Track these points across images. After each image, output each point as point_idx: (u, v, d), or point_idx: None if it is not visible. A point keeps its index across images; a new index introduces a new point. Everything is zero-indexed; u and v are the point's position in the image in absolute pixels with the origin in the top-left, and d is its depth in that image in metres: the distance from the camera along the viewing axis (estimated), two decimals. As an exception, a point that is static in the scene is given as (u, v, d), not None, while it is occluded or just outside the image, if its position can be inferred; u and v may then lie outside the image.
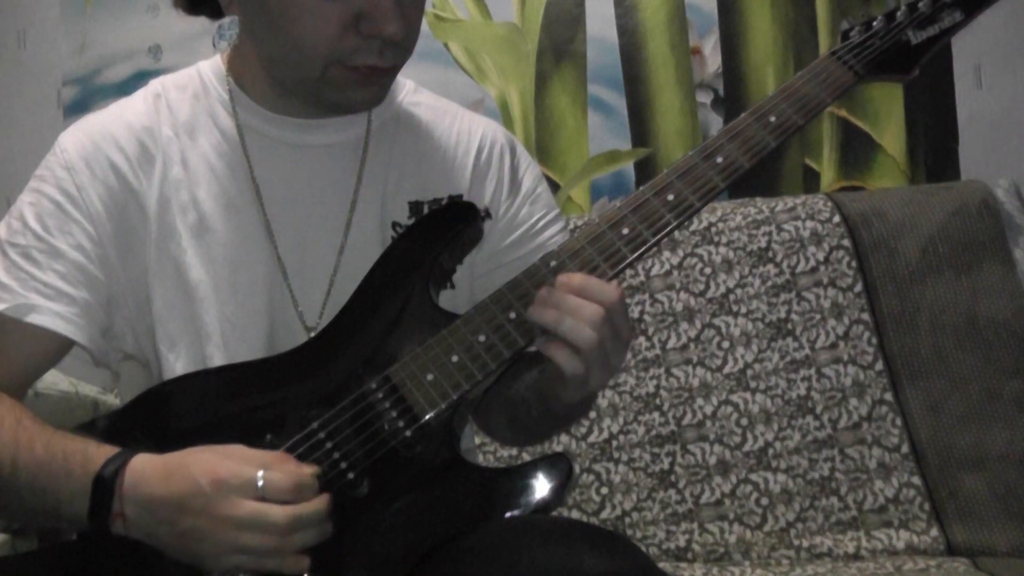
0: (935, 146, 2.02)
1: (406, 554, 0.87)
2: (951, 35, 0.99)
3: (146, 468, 0.84)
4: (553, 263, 0.91)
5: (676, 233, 1.72)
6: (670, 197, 0.92)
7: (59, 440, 0.88)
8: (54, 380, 1.53)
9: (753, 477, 1.64)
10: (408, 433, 0.89)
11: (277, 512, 0.81)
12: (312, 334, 0.99)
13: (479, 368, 0.90)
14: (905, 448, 1.63)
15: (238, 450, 0.84)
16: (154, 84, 1.07)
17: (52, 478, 0.86)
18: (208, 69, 1.07)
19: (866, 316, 1.70)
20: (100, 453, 0.86)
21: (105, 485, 0.83)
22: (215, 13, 1.03)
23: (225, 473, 0.81)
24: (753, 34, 2.07)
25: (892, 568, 1.48)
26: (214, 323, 0.99)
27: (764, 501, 1.62)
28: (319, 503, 0.83)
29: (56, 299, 0.96)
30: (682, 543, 1.61)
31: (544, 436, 1.11)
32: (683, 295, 1.75)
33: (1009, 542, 1.54)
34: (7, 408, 0.91)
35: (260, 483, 0.81)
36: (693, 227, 1.78)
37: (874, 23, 1.00)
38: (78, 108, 2.19)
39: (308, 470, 0.85)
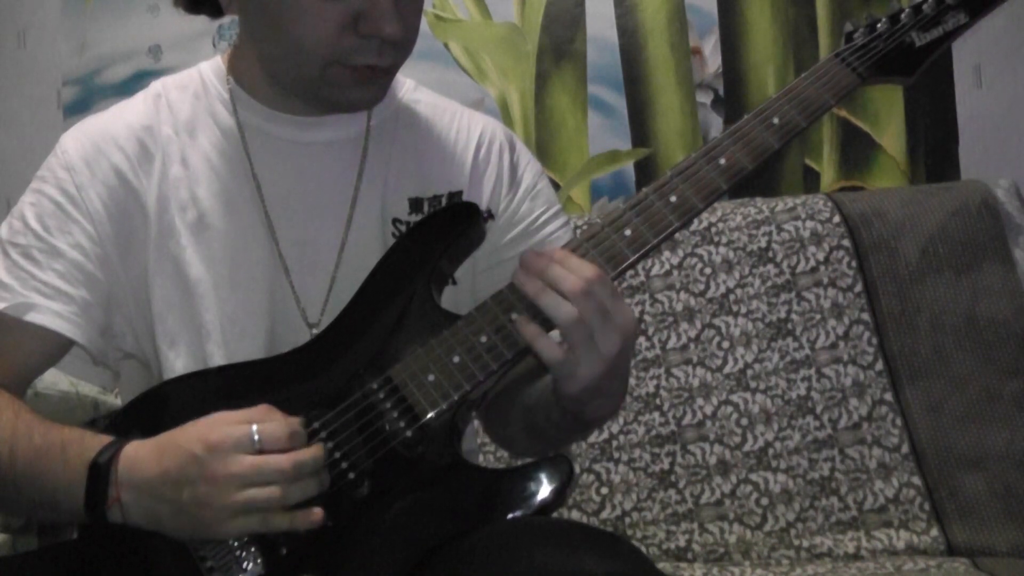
0: (935, 146, 2.02)
1: (407, 555, 0.86)
2: (956, 37, 0.99)
3: (139, 452, 0.85)
4: (554, 264, 0.91)
5: (676, 233, 1.72)
6: (673, 198, 0.92)
7: (56, 431, 0.88)
8: (54, 380, 1.53)
9: (753, 477, 1.64)
10: (409, 433, 0.89)
11: (279, 459, 0.81)
12: (314, 331, 1.00)
13: (480, 368, 0.89)
14: (905, 448, 1.63)
15: (221, 415, 0.85)
16: (155, 85, 1.07)
17: (49, 468, 0.86)
18: (208, 69, 1.07)
19: (866, 316, 1.71)
20: (96, 441, 0.86)
21: (100, 472, 0.84)
22: (215, 13, 1.03)
23: (218, 435, 0.81)
24: (753, 34, 2.07)
25: (892, 568, 1.48)
26: (214, 321, 0.99)
27: (764, 501, 1.63)
28: (317, 448, 0.84)
29: (55, 298, 0.96)
30: (682, 543, 1.61)
31: (564, 442, 1.08)
32: (683, 295, 1.75)
33: (1009, 542, 1.54)
34: (6, 402, 0.92)
35: (256, 436, 0.81)
36: (693, 227, 1.78)
37: (878, 25, 1.00)
38: (78, 108, 2.18)
39: (295, 420, 0.85)
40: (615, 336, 0.84)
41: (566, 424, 0.97)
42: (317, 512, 0.83)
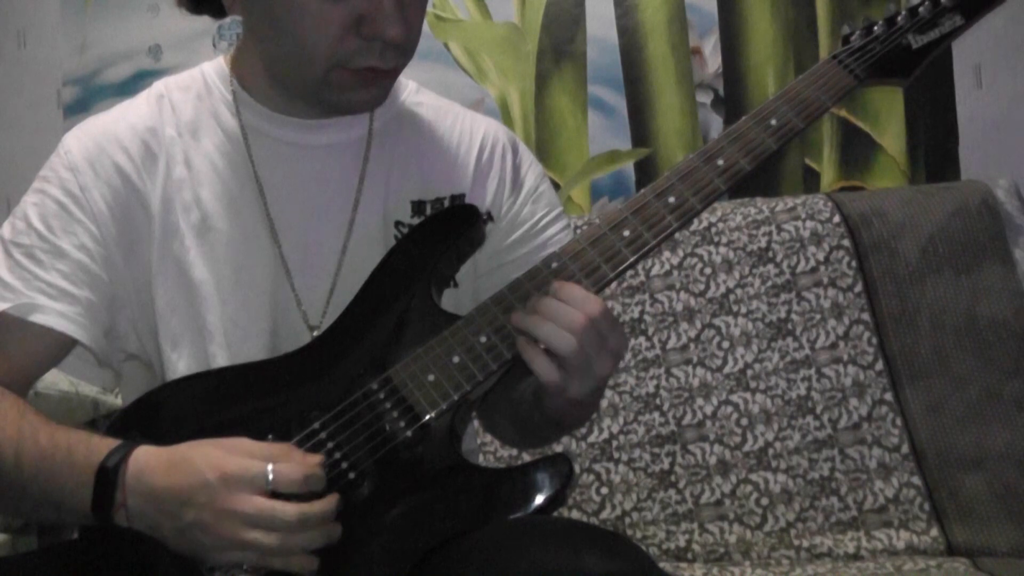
0: (935, 146, 2.02)
1: (407, 555, 0.87)
2: (952, 39, 0.99)
3: (149, 459, 0.85)
4: (554, 264, 0.92)
5: (676, 234, 1.73)
6: (671, 199, 0.93)
7: (63, 433, 0.88)
8: (54, 380, 1.53)
9: (753, 477, 1.64)
10: (409, 433, 0.89)
11: (287, 509, 0.80)
12: (316, 333, 1.00)
13: (480, 369, 0.90)
14: (905, 448, 1.64)
15: (242, 443, 0.84)
16: (157, 85, 1.07)
17: (56, 469, 0.86)
18: (211, 70, 1.07)
19: (866, 316, 1.71)
20: (104, 444, 0.86)
21: (108, 475, 0.84)
22: (218, 13, 1.03)
23: (233, 467, 0.81)
24: (753, 34, 2.07)
25: (892, 568, 1.48)
26: (217, 322, 0.99)
27: (764, 501, 1.63)
28: (328, 503, 0.83)
29: (59, 299, 0.96)
30: (682, 543, 1.62)
31: (548, 439, 1.13)
32: (683, 295, 1.75)
33: (1009, 542, 1.54)
34: (10, 403, 0.92)
35: (271, 476, 0.81)
36: (693, 227, 1.78)
37: (875, 27, 1.01)
38: (78, 108, 2.19)
39: (315, 460, 0.85)
40: (609, 361, 0.88)
41: (546, 423, 1.02)
42: (313, 562, 0.83)
